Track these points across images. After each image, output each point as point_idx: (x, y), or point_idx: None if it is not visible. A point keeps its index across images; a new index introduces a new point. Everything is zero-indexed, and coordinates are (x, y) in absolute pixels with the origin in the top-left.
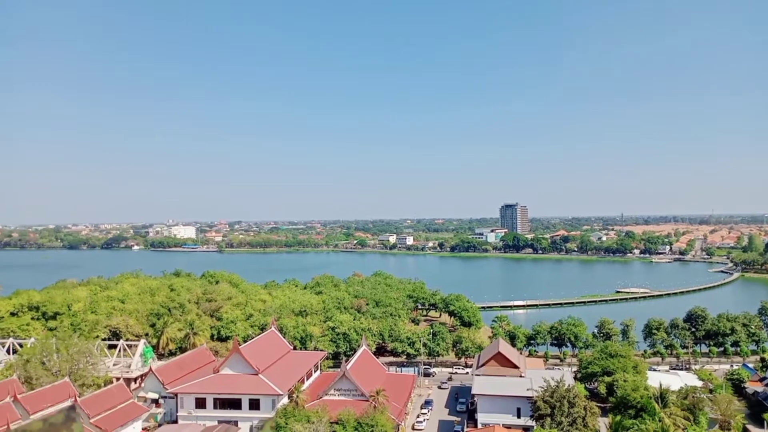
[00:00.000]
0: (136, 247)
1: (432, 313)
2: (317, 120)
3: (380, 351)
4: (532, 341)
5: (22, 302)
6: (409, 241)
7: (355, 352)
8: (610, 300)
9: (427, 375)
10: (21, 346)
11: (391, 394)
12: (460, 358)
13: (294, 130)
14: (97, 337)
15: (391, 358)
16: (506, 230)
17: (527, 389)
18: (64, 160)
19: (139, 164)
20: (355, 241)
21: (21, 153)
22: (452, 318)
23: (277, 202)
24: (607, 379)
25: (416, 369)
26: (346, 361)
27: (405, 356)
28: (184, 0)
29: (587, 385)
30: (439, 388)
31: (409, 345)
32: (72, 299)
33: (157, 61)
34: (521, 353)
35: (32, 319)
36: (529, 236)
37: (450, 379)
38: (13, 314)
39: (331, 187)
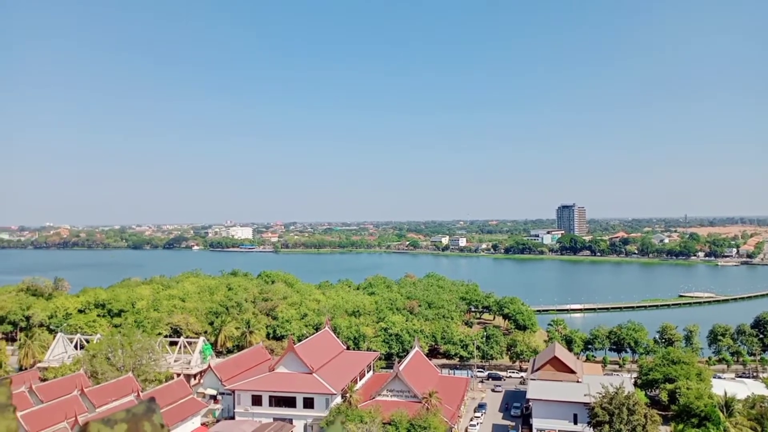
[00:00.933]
0: (195, 248)
1: (485, 315)
2: (370, 123)
3: (433, 353)
4: (589, 346)
5: (89, 300)
6: (462, 242)
7: (407, 353)
8: (673, 304)
9: (489, 379)
10: (87, 341)
11: (443, 397)
12: (514, 362)
13: (347, 133)
14: (159, 334)
15: (444, 361)
16: (563, 232)
17: (584, 395)
18: (127, 164)
19: (198, 167)
20: (408, 243)
21: (88, 158)
22: (506, 321)
23: (330, 203)
24: (668, 386)
25: (469, 372)
26: (398, 362)
27: (458, 359)
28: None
29: (648, 393)
30: (493, 391)
31: (462, 347)
32: (136, 297)
33: (220, 67)
34: (578, 358)
35: (98, 316)
36: (587, 238)
37: (487, 379)
38: (80, 311)
39: (383, 188)
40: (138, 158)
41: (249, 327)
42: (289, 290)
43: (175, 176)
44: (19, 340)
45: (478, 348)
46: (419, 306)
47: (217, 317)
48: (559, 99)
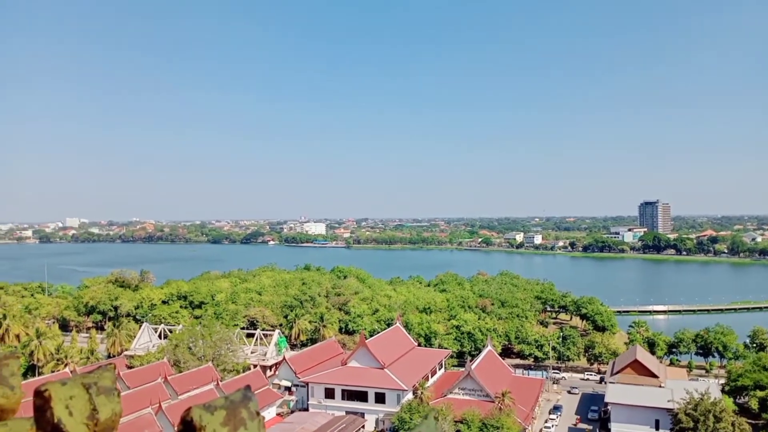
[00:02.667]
0: (271, 243)
1: (562, 315)
2: (441, 120)
3: (506, 352)
4: (673, 349)
5: (172, 292)
6: (538, 239)
7: (479, 352)
8: (765, 307)
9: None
10: (171, 331)
11: (517, 397)
12: (592, 364)
13: (418, 130)
14: (236, 325)
15: (518, 361)
16: (645, 229)
17: (668, 400)
18: (208, 162)
19: (274, 165)
20: (480, 240)
21: (171, 157)
22: (584, 322)
23: (402, 200)
24: (759, 393)
25: (544, 373)
26: (470, 361)
27: (532, 359)
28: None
29: (736, 400)
30: (569, 393)
31: (537, 348)
32: (215, 290)
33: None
34: (661, 362)
35: (181, 307)
36: (672, 236)
37: (557, 382)
38: (164, 302)
39: (455, 184)
40: (218, 157)
41: (322, 321)
42: (361, 285)
43: (253, 174)
44: (108, 329)
45: (553, 349)
46: (492, 304)
47: (291, 311)
48: (642, 93)
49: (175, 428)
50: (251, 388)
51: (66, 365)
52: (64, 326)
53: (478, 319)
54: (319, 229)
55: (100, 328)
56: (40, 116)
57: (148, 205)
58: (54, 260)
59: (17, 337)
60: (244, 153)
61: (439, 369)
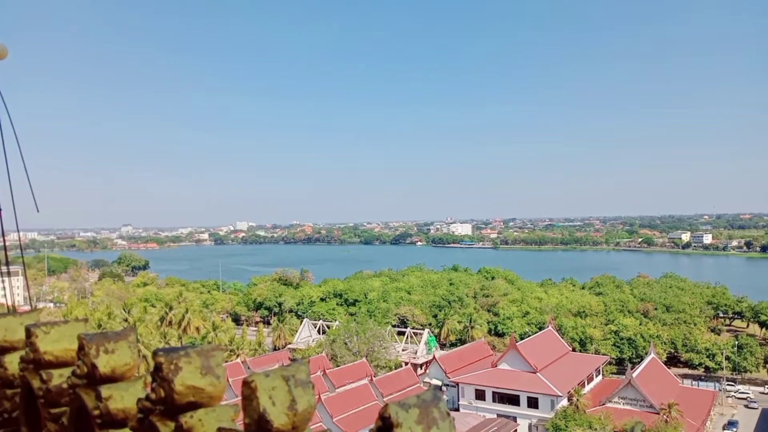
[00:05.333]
0: (419, 243)
1: (737, 322)
2: (595, 115)
3: (671, 361)
4: None
5: (329, 290)
6: (707, 239)
7: (641, 359)
8: None
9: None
10: (328, 327)
11: (685, 410)
12: None
13: (574, 128)
14: (388, 323)
15: (685, 370)
16: None
17: None
18: (359, 167)
19: (421, 167)
20: (640, 239)
21: (324, 166)
22: (763, 330)
23: (552, 198)
24: None
25: (717, 385)
26: (632, 369)
27: (702, 369)
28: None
29: None
30: (747, 407)
31: (707, 357)
32: (367, 288)
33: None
34: None
35: (337, 304)
36: None
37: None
38: (322, 300)
39: (611, 180)
40: (368, 161)
41: (471, 322)
42: (510, 287)
43: (401, 176)
44: (273, 323)
45: (727, 358)
46: (655, 309)
47: (440, 310)
48: None
49: (374, 424)
50: (440, 388)
51: (238, 356)
52: (236, 320)
53: (640, 324)
54: (465, 229)
55: (266, 322)
56: (218, 129)
57: (307, 209)
58: (227, 260)
59: (197, 329)
60: (393, 157)
61: (596, 376)
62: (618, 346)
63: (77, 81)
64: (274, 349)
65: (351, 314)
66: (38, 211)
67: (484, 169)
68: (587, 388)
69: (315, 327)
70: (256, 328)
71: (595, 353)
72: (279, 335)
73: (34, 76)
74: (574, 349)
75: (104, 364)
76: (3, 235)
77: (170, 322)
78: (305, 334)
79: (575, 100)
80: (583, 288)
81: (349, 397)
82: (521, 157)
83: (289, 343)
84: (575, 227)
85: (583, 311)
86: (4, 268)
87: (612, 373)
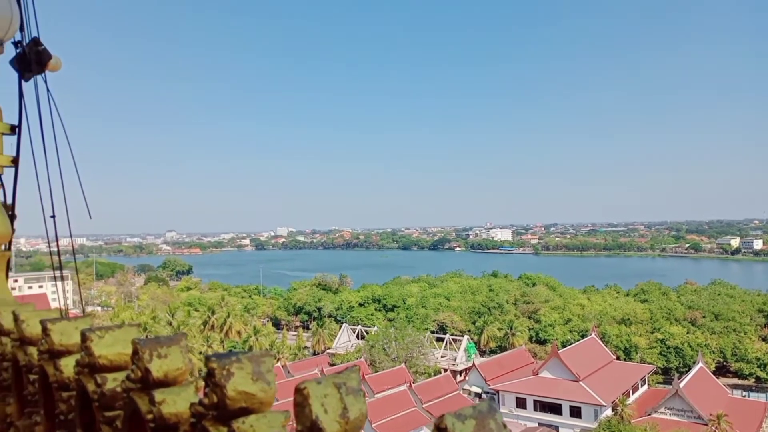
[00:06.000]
0: (457, 249)
1: None
2: (640, 116)
3: (720, 371)
4: None
5: (368, 295)
6: (758, 245)
7: (689, 369)
8: None
9: None
10: (367, 332)
11: (735, 421)
12: None
13: (617, 128)
14: (427, 329)
15: (735, 381)
16: None
17: None
18: (396, 174)
19: (459, 172)
20: (687, 245)
21: (362, 173)
22: None
23: (595, 203)
24: None
25: None
26: (679, 378)
27: (753, 379)
28: None
29: None
30: None
31: (758, 367)
32: (406, 294)
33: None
34: None
35: (375, 310)
36: None
37: None
38: (360, 305)
39: (655, 184)
40: (406, 166)
41: (511, 329)
42: (552, 294)
43: (439, 181)
44: (312, 328)
45: None
46: (703, 317)
47: (479, 317)
48: None
49: None
50: (495, 400)
51: (278, 360)
52: (276, 324)
53: (687, 332)
54: (504, 235)
55: (305, 327)
56: (258, 137)
57: (346, 214)
58: (267, 265)
59: (238, 333)
60: (430, 161)
61: (642, 385)
62: (664, 355)
63: (122, 85)
64: (314, 353)
65: (389, 320)
66: (91, 217)
67: (523, 173)
68: (632, 397)
69: (354, 332)
70: (295, 333)
71: (641, 362)
72: (318, 340)
73: (80, 82)
74: (618, 358)
75: (157, 368)
76: (57, 241)
77: (212, 326)
78: (344, 339)
79: (622, 98)
80: (627, 295)
81: (388, 403)
82: (562, 160)
83: (328, 348)
84: (619, 232)
85: (628, 319)
86: (58, 273)
87: (658, 383)
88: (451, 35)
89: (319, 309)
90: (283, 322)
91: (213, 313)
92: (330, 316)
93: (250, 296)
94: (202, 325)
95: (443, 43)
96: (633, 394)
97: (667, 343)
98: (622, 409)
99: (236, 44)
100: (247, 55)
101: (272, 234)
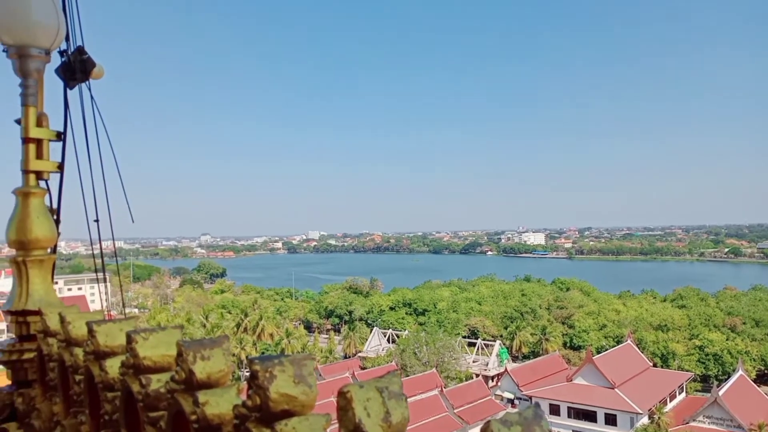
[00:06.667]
0: (489, 253)
1: None
2: (678, 118)
3: (761, 379)
4: None
5: (398, 299)
6: None
7: (728, 376)
8: None
9: None
10: (398, 336)
11: None
12: None
13: (653, 130)
14: (458, 334)
15: None
16: None
17: None
18: (421, 177)
19: (490, 174)
20: (726, 249)
21: (386, 177)
22: None
23: (630, 206)
24: None
25: None
26: (718, 386)
27: None
28: None
29: None
30: None
31: None
32: (437, 298)
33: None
34: None
35: (406, 314)
36: None
37: None
38: (391, 309)
39: (694, 186)
40: (437, 170)
41: (545, 334)
42: (586, 299)
43: (471, 184)
44: (344, 331)
45: None
46: (743, 323)
47: (511, 322)
48: None
49: None
50: (540, 406)
51: None
52: (308, 327)
53: (726, 339)
54: (537, 239)
55: (336, 330)
56: (293, 144)
57: (376, 218)
58: (299, 269)
59: (271, 336)
60: (463, 164)
61: (679, 393)
62: (703, 362)
63: (163, 92)
64: (345, 357)
65: (420, 324)
66: (133, 221)
67: (557, 176)
68: (669, 405)
69: (384, 336)
70: (327, 336)
71: (678, 369)
72: (349, 343)
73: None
74: (655, 365)
75: (201, 370)
76: (100, 244)
77: (245, 329)
78: (375, 343)
79: (660, 98)
80: (664, 300)
81: (420, 408)
82: (597, 163)
83: (359, 351)
84: (655, 237)
85: (665, 325)
86: (100, 275)
87: (696, 391)
88: (487, 36)
89: (350, 312)
90: (314, 325)
91: (246, 315)
92: (361, 319)
93: (282, 299)
94: (235, 328)
95: (473, 44)
96: (670, 402)
97: (705, 350)
98: (658, 417)
99: (282, 53)
100: (280, 63)
101: (304, 237)
